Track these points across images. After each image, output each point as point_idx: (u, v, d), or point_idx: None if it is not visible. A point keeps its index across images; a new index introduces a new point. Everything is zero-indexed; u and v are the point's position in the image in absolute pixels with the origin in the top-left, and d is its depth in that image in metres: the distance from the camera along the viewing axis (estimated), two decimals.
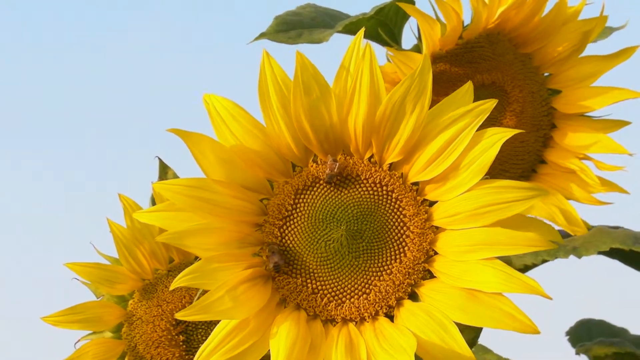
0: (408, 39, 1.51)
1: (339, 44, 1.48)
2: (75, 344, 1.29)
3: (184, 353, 1.27)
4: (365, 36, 1.47)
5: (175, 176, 1.34)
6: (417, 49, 1.41)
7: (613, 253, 1.39)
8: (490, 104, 0.98)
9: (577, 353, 1.71)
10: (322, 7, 1.57)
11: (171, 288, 0.99)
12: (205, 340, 0.98)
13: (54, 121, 3.29)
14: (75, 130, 3.22)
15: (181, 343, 1.27)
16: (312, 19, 1.52)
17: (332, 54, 1.46)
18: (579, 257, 1.30)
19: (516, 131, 0.98)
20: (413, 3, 1.40)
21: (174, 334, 1.27)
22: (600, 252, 1.33)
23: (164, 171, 1.34)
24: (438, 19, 1.32)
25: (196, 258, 1.27)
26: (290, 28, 1.49)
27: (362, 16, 1.46)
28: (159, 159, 1.34)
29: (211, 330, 1.21)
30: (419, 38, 1.40)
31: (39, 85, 3.37)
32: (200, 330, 1.27)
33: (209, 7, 3.37)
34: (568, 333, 1.75)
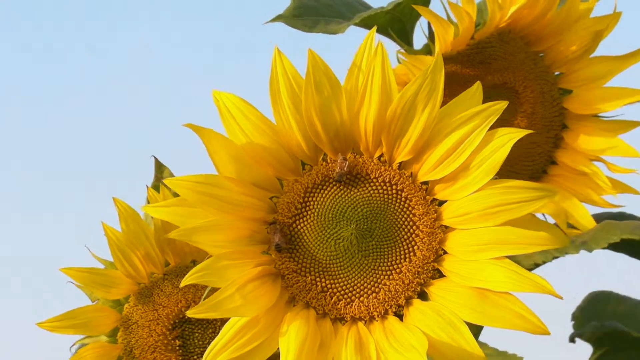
0: (418, 36, 1.55)
1: (353, 35, 1.52)
2: (70, 347, 1.32)
3: (180, 358, 1.30)
4: (379, 31, 1.52)
5: (171, 175, 1.36)
6: (428, 48, 1.44)
7: (620, 246, 1.42)
8: (501, 105, 1.02)
9: (572, 340, 1.75)
10: None
11: (181, 285, 1.02)
12: (201, 344, 1.01)
13: (45, 123, 3.32)
14: (66, 132, 3.25)
15: (177, 348, 1.30)
16: (328, 7, 1.54)
17: (345, 45, 1.50)
18: (590, 250, 1.33)
19: (527, 132, 1.02)
20: (427, 3, 1.45)
21: (170, 338, 1.30)
22: (610, 244, 1.36)
23: (160, 170, 1.37)
24: (450, 20, 1.36)
25: (192, 262, 1.33)
26: (307, 14, 1.51)
27: (379, 10, 1.48)
28: (155, 158, 1.38)
29: (207, 336, 1.26)
30: (430, 38, 1.43)
31: (31, 85, 3.41)
32: (197, 334, 1.30)
33: (217, 3, 3.40)
34: (574, 317, 1.79)
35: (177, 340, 1.31)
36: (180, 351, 1.30)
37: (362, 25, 1.53)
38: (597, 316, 1.78)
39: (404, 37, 1.52)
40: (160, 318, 1.31)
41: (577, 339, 1.75)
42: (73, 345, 1.33)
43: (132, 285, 1.33)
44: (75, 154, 3.16)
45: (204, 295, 1.06)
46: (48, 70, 3.41)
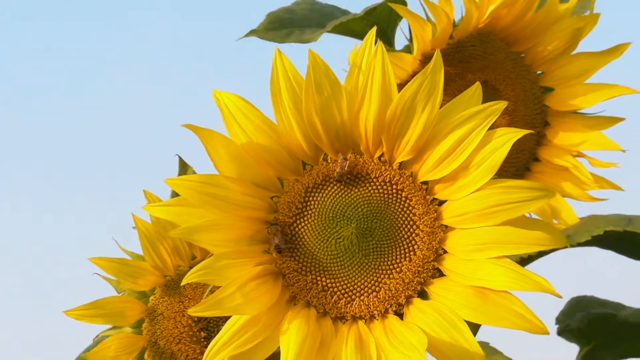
0: (399, 39, 1.56)
1: (328, 42, 1.53)
2: (94, 338, 1.33)
3: (204, 349, 1.28)
4: (356, 37, 1.53)
5: (194, 173, 1.37)
6: (408, 49, 1.44)
7: (607, 242, 1.44)
8: (500, 105, 1.03)
9: (560, 334, 1.78)
10: (319, 3, 1.60)
11: (183, 283, 1.03)
12: None
13: (70, 121, 3.30)
14: (92, 126, 3.23)
15: (202, 339, 1.31)
16: (305, 17, 1.55)
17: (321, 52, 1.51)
18: (573, 244, 1.34)
19: (527, 131, 1.02)
20: (405, 3, 1.45)
21: (195, 330, 1.31)
22: (594, 237, 1.37)
23: (184, 169, 1.37)
24: (428, 19, 1.36)
25: None
26: (282, 26, 1.52)
27: (352, 17, 1.49)
28: (179, 157, 1.38)
29: None
30: (410, 39, 1.43)
31: (58, 83, 3.39)
32: (222, 326, 1.29)
33: (220, 2, 3.40)
34: (558, 321, 1.81)
35: (202, 332, 1.31)
36: (205, 342, 1.31)
37: (337, 32, 1.54)
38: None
39: (384, 41, 1.53)
40: (186, 310, 1.32)
41: (565, 340, 1.77)
42: (96, 337, 1.34)
43: (158, 278, 1.34)
44: (98, 153, 3.16)
45: (205, 293, 1.07)
46: (51, 69, 3.40)
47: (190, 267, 1.32)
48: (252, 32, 1.52)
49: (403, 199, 1.07)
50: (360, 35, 1.53)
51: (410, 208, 1.07)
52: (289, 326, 1.03)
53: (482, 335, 1.28)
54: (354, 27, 1.51)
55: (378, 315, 1.06)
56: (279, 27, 1.52)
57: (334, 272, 1.07)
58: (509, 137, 1.03)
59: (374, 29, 1.07)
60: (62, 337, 1.30)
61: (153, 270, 1.33)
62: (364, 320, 1.07)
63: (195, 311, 1.00)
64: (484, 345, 1.53)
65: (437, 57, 1.04)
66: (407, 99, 1.04)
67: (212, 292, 1.04)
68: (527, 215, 1.07)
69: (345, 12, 1.60)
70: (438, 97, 1.04)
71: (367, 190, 1.08)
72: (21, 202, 3.16)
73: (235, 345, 1.02)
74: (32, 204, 3.15)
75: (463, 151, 1.04)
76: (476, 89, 1.07)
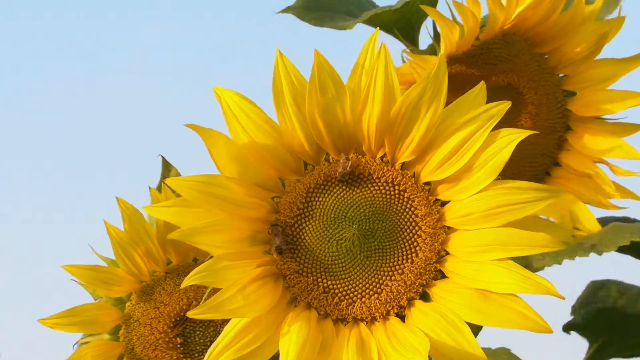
0: (423, 36, 1.55)
1: (359, 31, 1.53)
2: (73, 346, 1.32)
3: (181, 356, 1.29)
4: (384, 29, 1.52)
5: (178, 174, 1.36)
6: (432, 48, 1.44)
7: (627, 248, 1.41)
8: (504, 106, 1.01)
9: (566, 330, 1.75)
10: None
11: (182, 286, 1.02)
12: (202, 342, 1.01)
13: (52, 122, 3.33)
14: (74, 131, 3.25)
15: (178, 345, 1.30)
16: (338, 3, 1.55)
17: (350, 40, 1.50)
18: (600, 254, 1.32)
19: (530, 132, 1.01)
20: (435, 3, 1.45)
21: (171, 336, 1.30)
22: (620, 247, 1.35)
23: (167, 169, 1.37)
24: (455, 20, 1.35)
25: (194, 260, 1.33)
26: (317, 8, 1.51)
27: (388, 8, 1.47)
28: (162, 157, 1.38)
29: (208, 334, 1.27)
30: (435, 38, 1.42)
31: (36, 82, 3.41)
32: (198, 332, 1.30)
33: (219, 3, 3.41)
34: (574, 309, 1.78)
35: (178, 338, 1.30)
36: (182, 349, 1.30)
37: (369, 23, 1.52)
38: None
39: (409, 37, 1.52)
40: (162, 316, 1.31)
41: (568, 340, 1.75)
42: (75, 343, 1.33)
43: (134, 284, 1.33)
44: (83, 154, 3.18)
45: (205, 295, 1.06)
46: (48, 70, 3.43)
47: (167, 272, 1.33)
48: (289, 9, 1.51)
49: (405, 199, 1.06)
50: (388, 28, 1.52)
51: (412, 209, 1.06)
52: (289, 328, 1.03)
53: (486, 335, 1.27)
54: (384, 19, 1.50)
55: (379, 317, 1.05)
56: (313, 8, 1.51)
57: (335, 273, 1.06)
58: (513, 137, 1.02)
59: (377, 30, 1.07)
60: (49, 342, 1.30)
61: (127, 276, 1.32)
62: (365, 322, 1.06)
63: (194, 314, 1.00)
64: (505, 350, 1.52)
65: (441, 59, 1.04)
66: (411, 100, 1.03)
67: (211, 294, 1.03)
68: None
69: (371, 3, 1.59)
70: (442, 99, 1.03)
71: (369, 191, 1.07)
72: (19, 202, 3.19)
73: (235, 349, 1.02)
74: (28, 204, 3.18)
75: (466, 152, 1.03)
76: (480, 89, 1.06)
